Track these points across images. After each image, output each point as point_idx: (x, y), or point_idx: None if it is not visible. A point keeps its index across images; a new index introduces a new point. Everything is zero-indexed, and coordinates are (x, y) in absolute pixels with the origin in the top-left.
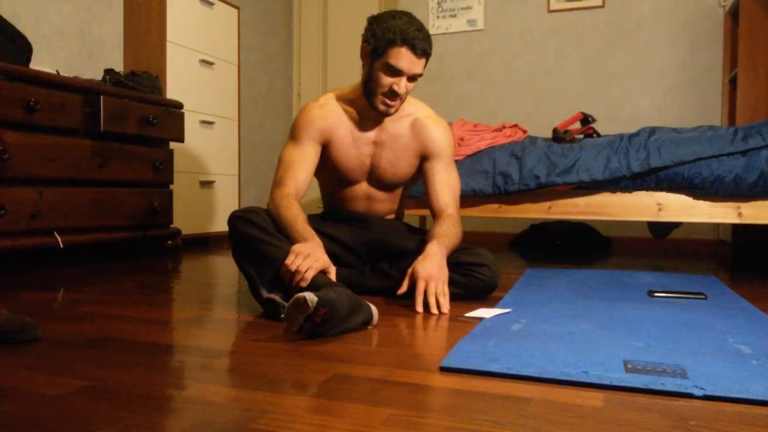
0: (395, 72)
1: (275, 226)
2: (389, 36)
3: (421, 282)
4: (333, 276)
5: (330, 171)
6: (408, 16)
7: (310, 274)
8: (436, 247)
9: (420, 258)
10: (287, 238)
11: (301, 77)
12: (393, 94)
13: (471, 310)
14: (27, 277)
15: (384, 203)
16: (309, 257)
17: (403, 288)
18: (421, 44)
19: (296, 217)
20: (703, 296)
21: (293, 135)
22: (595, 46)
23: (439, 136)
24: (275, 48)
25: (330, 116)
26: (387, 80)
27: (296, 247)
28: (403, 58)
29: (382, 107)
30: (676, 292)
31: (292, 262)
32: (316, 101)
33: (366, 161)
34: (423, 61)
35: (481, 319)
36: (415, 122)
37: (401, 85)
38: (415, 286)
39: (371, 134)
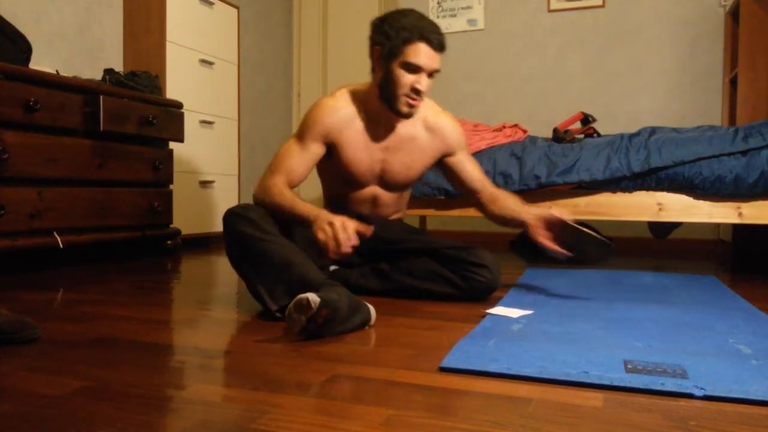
0: (415, 69)
1: (270, 212)
2: (404, 34)
3: (558, 214)
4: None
5: (336, 173)
6: (416, 12)
7: (352, 232)
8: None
9: (534, 212)
10: (285, 221)
11: (301, 77)
12: (416, 93)
13: (490, 307)
14: (27, 277)
15: (389, 207)
16: (338, 221)
17: (554, 247)
18: (438, 37)
19: (293, 200)
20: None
21: (299, 130)
22: (595, 46)
23: (455, 129)
24: (275, 48)
25: (341, 116)
26: (408, 79)
27: (321, 219)
28: (422, 53)
29: (405, 109)
30: (588, 228)
31: (328, 232)
32: (331, 97)
33: (377, 166)
34: (440, 55)
35: (505, 316)
36: (427, 122)
37: (423, 82)
38: (562, 222)
39: (383, 139)
